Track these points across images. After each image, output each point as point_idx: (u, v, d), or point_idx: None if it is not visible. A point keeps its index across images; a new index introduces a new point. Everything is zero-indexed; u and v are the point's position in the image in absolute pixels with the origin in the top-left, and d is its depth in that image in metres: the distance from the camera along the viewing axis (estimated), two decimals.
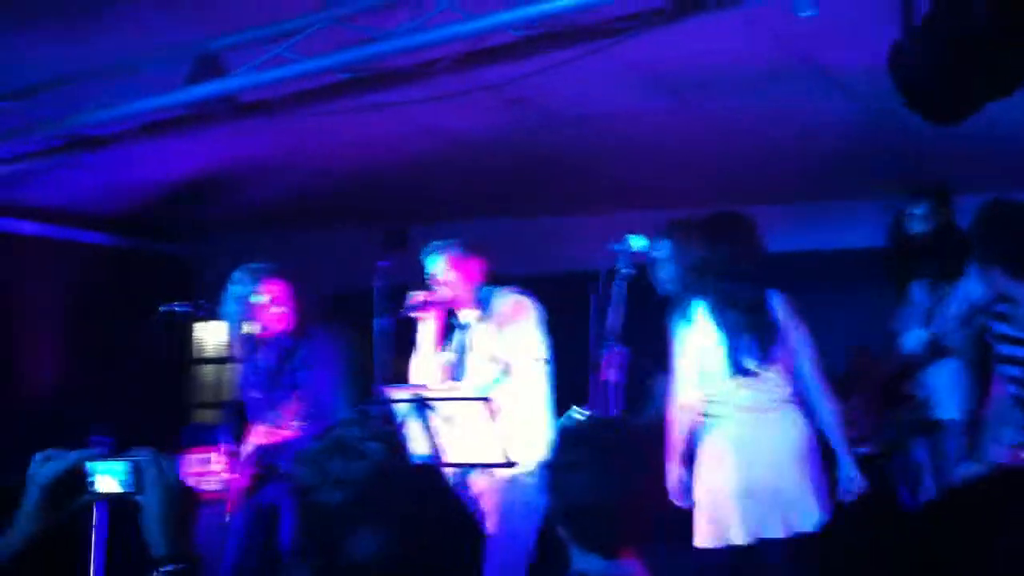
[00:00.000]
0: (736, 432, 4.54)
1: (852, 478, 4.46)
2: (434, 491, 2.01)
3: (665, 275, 4.82)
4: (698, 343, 4.62)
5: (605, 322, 4.74)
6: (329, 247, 7.98)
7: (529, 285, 5.33)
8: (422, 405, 4.66)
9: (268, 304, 5.34)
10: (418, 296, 5.20)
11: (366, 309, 5.43)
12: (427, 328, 5.29)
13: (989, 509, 1.89)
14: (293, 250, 6.92)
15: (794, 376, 4.55)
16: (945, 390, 4.77)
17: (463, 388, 5.10)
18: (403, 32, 4.20)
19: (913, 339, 5.04)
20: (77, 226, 8.21)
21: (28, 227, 7.88)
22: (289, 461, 5.19)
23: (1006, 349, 4.32)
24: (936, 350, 4.92)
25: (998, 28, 3.14)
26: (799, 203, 7.01)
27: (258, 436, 5.33)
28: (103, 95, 4.86)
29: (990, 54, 3.21)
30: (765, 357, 4.51)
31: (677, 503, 4.56)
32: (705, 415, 4.62)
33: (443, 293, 5.21)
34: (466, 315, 5.32)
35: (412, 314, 5.22)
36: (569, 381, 5.03)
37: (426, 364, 5.30)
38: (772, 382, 4.53)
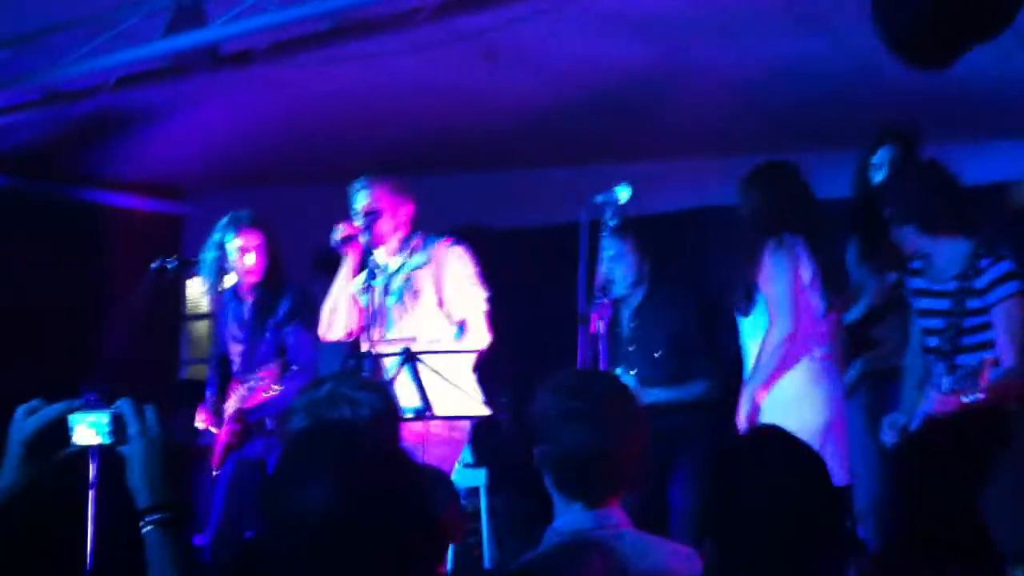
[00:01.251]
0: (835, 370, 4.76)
1: None
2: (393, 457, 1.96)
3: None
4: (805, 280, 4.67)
5: (594, 275, 4.73)
6: (310, 203, 7.94)
7: (510, 238, 5.32)
8: (411, 358, 4.62)
9: (243, 252, 5.32)
10: (340, 228, 4.98)
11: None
12: (347, 265, 5.07)
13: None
14: (280, 207, 6.87)
15: None
16: (902, 338, 4.79)
17: (416, 339, 4.94)
18: None
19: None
20: (82, 185, 8.16)
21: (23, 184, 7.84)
22: (274, 416, 5.20)
23: (924, 302, 4.39)
24: (893, 299, 4.95)
25: None
26: (779, 153, 6.96)
27: (242, 390, 5.32)
28: (80, 48, 4.81)
29: None
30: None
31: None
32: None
33: (367, 225, 4.97)
34: (387, 258, 5.12)
35: (337, 247, 5.00)
36: (553, 334, 5.03)
37: (340, 306, 5.11)
38: None
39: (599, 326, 4.67)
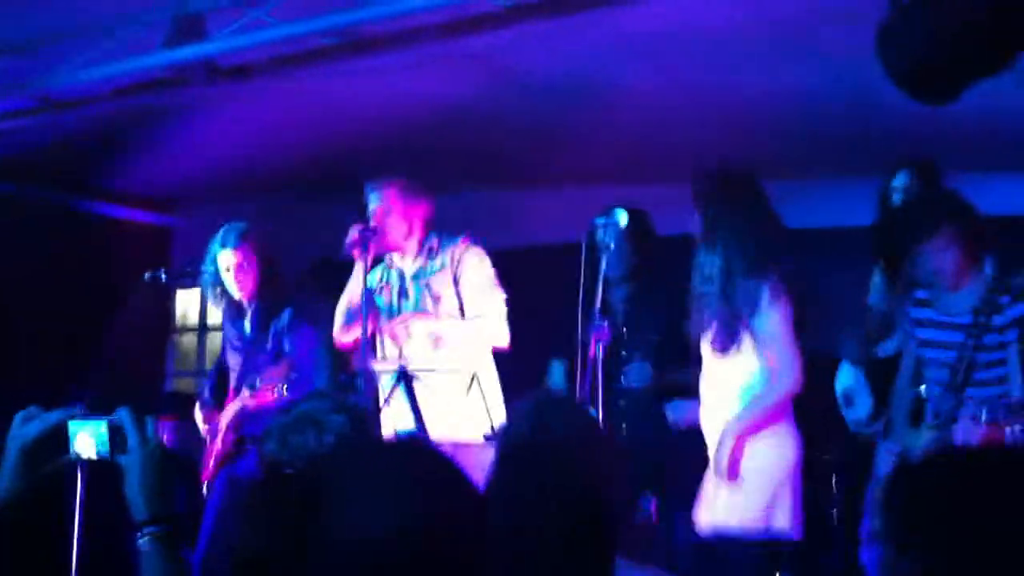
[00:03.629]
0: None
1: None
2: (416, 464, 1.75)
3: None
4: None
5: (592, 297, 4.69)
6: (309, 217, 7.92)
7: (509, 257, 5.30)
8: (407, 377, 4.58)
9: (235, 266, 5.30)
10: (355, 232, 4.88)
11: (346, 276, 5.39)
12: (359, 268, 4.94)
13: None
14: (275, 220, 6.85)
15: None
16: None
17: (442, 354, 4.93)
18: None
19: None
20: (68, 191, 8.14)
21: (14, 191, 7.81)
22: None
23: (931, 333, 4.38)
24: None
25: (988, 9, 3.15)
26: (784, 181, 6.99)
27: (239, 403, 5.25)
28: (78, 57, 4.79)
29: (980, 34, 3.22)
30: None
31: None
32: None
33: (380, 227, 4.92)
34: (403, 261, 5.09)
35: (349, 252, 4.90)
36: (542, 357, 5.02)
37: (354, 307, 5.01)
38: None
39: (598, 349, 4.64)
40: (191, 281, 5.65)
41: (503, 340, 4.99)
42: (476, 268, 5.01)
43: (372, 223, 4.94)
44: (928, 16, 3.31)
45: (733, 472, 4.19)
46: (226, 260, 5.30)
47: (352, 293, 5.07)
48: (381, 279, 5.16)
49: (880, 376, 4.98)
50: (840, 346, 5.28)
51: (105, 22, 4.70)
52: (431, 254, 5.06)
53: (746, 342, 4.30)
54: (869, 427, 4.97)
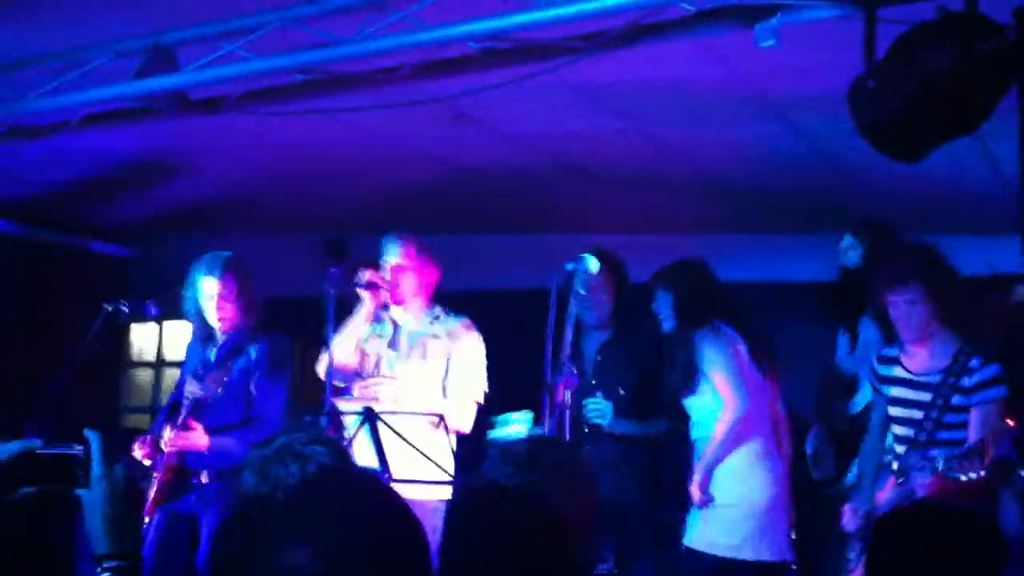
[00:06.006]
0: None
1: None
2: (381, 502, 1.84)
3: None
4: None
5: (561, 343, 4.76)
6: (269, 253, 7.89)
7: (475, 301, 5.32)
8: (372, 417, 4.57)
9: (216, 296, 5.24)
10: (367, 274, 5.12)
11: (301, 316, 5.38)
12: (362, 309, 5.19)
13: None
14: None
15: None
16: None
17: (412, 392, 5.05)
18: (360, 38, 4.15)
19: None
20: (18, 220, 8.06)
21: None
22: (212, 469, 5.06)
23: (899, 390, 4.42)
24: None
25: (960, 72, 3.21)
26: (746, 234, 7.05)
27: (187, 437, 5.15)
28: (48, 84, 4.75)
29: (952, 95, 3.27)
30: None
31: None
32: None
33: (392, 280, 5.14)
34: (403, 316, 5.25)
35: (358, 289, 5.14)
36: (508, 401, 5.02)
37: (348, 343, 5.20)
38: None
39: (565, 395, 4.68)
40: (149, 315, 5.58)
41: (466, 428, 5.10)
42: (472, 352, 5.18)
43: (386, 273, 5.15)
44: (901, 74, 3.35)
45: (707, 498, 4.91)
46: (210, 288, 5.25)
47: (351, 329, 5.20)
48: (373, 329, 5.29)
49: (846, 436, 5.03)
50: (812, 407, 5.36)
51: (78, 52, 4.66)
52: (436, 320, 5.21)
53: (703, 385, 5.02)
54: (833, 486, 5.05)
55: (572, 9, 3.81)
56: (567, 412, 4.67)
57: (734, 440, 4.95)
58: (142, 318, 5.73)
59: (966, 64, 3.20)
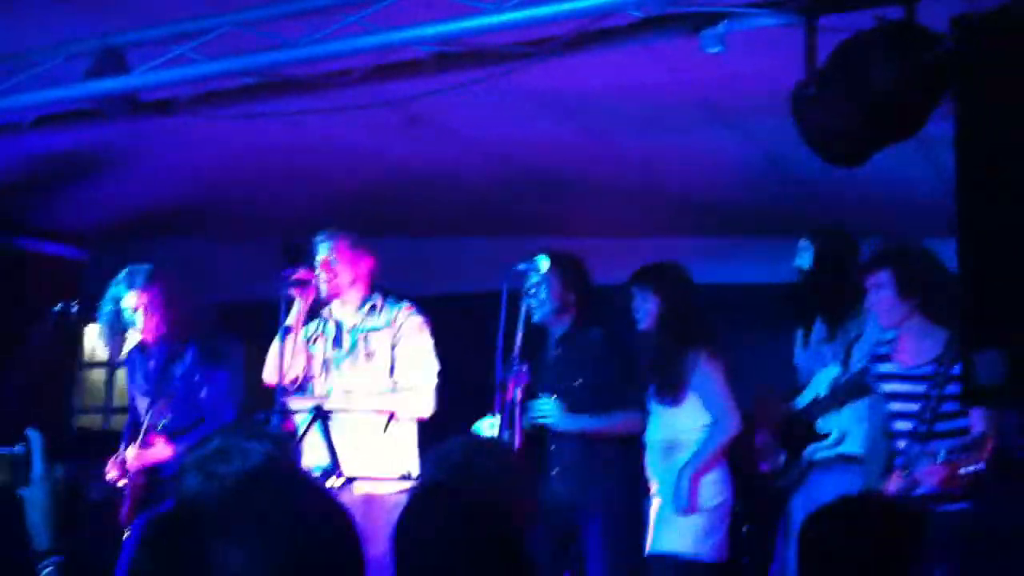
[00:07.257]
0: None
1: None
2: (315, 500, 1.86)
3: None
4: None
5: (512, 342, 4.80)
6: (223, 257, 7.86)
7: (423, 305, 5.33)
8: (323, 415, 4.59)
9: (139, 308, 5.25)
10: (300, 273, 5.09)
11: (257, 320, 5.38)
12: (296, 311, 5.14)
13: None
14: (186, 258, 6.80)
15: None
16: (854, 426, 4.85)
17: (361, 396, 5.03)
18: (312, 41, 4.17)
19: (825, 377, 5.10)
20: None
21: None
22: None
23: (895, 386, 4.49)
24: (856, 389, 4.91)
25: (898, 80, 3.28)
26: (700, 237, 7.10)
27: (150, 454, 5.18)
28: None
29: (890, 103, 3.34)
30: None
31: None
32: None
33: (325, 278, 5.12)
34: (342, 311, 5.23)
35: (289, 290, 5.08)
36: (465, 401, 5.04)
37: (286, 349, 5.12)
38: None
39: (516, 393, 4.72)
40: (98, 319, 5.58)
41: (427, 413, 5.09)
42: (416, 336, 5.14)
43: (318, 269, 5.12)
44: (841, 82, 3.42)
45: (692, 505, 4.99)
46: (132, 302, 5.26)
47: (294, 336, 5.15)
48: (316, 329, 5.28)
49: (791, 431, 5.09)
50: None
51: (28, 54, 4.64)
52: (373, 311, 5.18)
53: (690, 398, 5.10)
54: (781, 479, 5.10)
55: (522, 14, 3.85)
56: (517, 409, 4.71)
57: (723, 453, 5.09)
58: (92, 319, 5.71)
59: (904, 72, 3.27)
